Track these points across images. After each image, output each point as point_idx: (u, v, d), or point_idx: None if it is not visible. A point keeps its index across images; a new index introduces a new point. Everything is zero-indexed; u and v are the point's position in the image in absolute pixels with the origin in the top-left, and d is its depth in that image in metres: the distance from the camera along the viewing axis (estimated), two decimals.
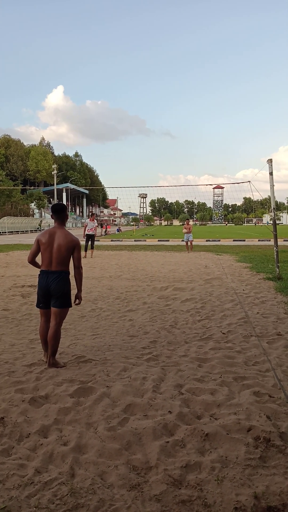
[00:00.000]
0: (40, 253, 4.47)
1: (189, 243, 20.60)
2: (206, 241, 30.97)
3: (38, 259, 4.56)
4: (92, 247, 17.62)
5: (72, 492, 2.37)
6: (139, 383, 3.89)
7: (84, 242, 16.82)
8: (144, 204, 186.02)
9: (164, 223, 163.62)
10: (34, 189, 79.63)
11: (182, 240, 22.16)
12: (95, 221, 18.26)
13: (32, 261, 4.62)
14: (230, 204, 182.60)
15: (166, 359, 4.69)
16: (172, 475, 2.55)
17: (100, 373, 4.17)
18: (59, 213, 4.51)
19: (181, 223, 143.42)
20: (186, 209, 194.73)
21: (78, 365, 4.45)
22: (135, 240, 32.96)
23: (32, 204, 77.30)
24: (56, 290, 4.32)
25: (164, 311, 7.26)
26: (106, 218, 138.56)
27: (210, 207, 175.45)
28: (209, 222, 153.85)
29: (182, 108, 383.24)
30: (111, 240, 33.21)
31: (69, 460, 2.67)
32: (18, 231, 51.83)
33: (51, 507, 2.25)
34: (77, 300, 4.56)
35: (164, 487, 2.45)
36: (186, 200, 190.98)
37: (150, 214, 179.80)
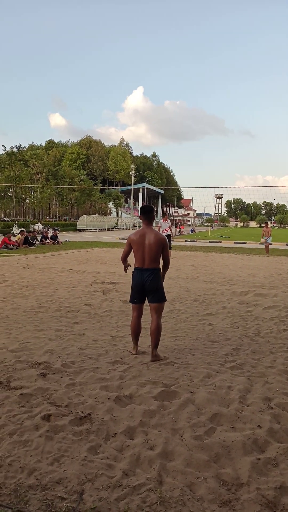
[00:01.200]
0: (132, 252, 4.78)
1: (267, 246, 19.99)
2: (286, 245, 29.54)
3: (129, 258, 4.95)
4: (169, 247, 17.62)
5: (161, 501, 2.31)
6: (225, 392, 3.74)
7: None
8: (220, 204, 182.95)
9: (240, 224, 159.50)
10: (112, 188, 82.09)
11: (260, 243, 21.56)
12: (169, 221, 18.21)
13: (125, 260, 5.01)
14: None
15: (251, 368, 4.47)
16: (266, 496, 2.38)
17: (183, 377, 4.09)
18: (148, 214, 4.79)
19: (258, 225, 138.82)
20: (264, 211, 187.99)
21: (160, 367, 4.41)
22: (210, 242, 32.47)
23: (110, 203, 79.69)
24: (151, 286, 4.64)
25: (245, 317, 6.99)
26: (180, 218, 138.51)
27: None
28: None
29: (263, 107, 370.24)
30: (185, 241, 33.05)
31: (156, 466, 2.62)
32: (96, 229, 53.74)
33: None
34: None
35: (258, 507, 2.29)
36: (265, 202, 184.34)
37: (226, 215, 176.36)
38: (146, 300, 4.83)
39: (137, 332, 4.89)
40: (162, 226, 17.73)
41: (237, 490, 2.46)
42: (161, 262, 4.83)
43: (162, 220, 18.21)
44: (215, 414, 3.31)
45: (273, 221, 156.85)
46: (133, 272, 4.78)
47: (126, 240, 4.93)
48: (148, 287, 4.64)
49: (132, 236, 4.73)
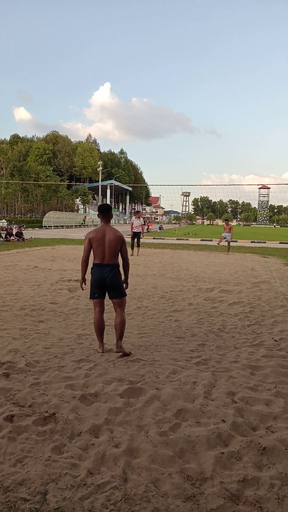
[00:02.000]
0: (92, 250, 4.78)
1: (224, 243, 20.32)
2: (251, 242, 30.24)
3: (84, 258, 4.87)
4: (138, 245, 17.60)
5: (126, 498, 2.30)
6: (190, 387, 3.77)
7: (130, 239, 16.84)
8: (187, 202, 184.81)
9: (206, 222, 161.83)
10: (79, 185, 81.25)
11: (217, 243, 21.88)
12: (141, 218, 18.23)
13: (87, 260, 4.86)
14: (276, 205, 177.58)
15: (216, 364, 4.54)
16: (229, 489, 2.42)
17: (149, 374, 4.10)
18: (106, 213, 4.89)
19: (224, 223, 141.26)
20: (229, 209, 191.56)
21: (126, 364, 4.40)
22: (177, 239, 32.75)
23: (77, 199, 78.81)
24: (111, 282, 4.71)
25: (211, 313, 7.09)
26: (148, 215, 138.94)
27: (255, 207, 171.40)
28: (253, 223, 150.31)
29: (229, 107, 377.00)
30: (154, 238, 33.18)
31: (121, 464, 2.61)
32: (63, 226, 53.01)
33: None
34: (124, 285, 4.95)
35: (221, 501, 2.33)
36: (230, 200, 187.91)
37: (193, 213, 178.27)
38: (107, 297, 4.85)
39: (101, 329, 4.87)
40: (134, 222, 17.69)
41: (201, 485, 2.49)
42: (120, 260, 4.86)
43: (135, 217, 18.18)
44: (180, 409, 3.34)
45: (238, 219, 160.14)
46: (92, 268, 4.80)
47: None
48: (108, 282, 4.70)
49: (92, 233, 4.76)
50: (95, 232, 4.78)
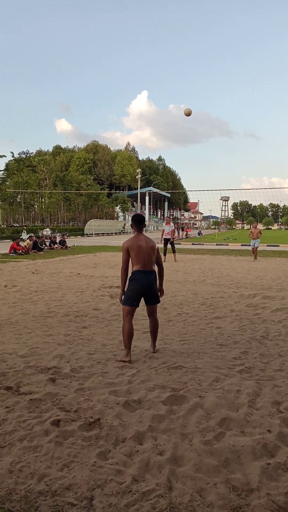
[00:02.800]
0: (130, 258, 4.88)
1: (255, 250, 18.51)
2: None
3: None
4: (174, 251, 17.66)
5: (171, 507, 2.30)
6: (233, 396, 3.72)
7: (163, 246, 16.95)
8: (226, 207, 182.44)
9: (246, 227, 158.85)
10: (119, 193, 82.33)
11: (249, 245, 19.81)
12: (172, 224, 18.28)
13: (127, 269, 4.92)
14: None
15: (260, 372, 4.45)
16: (276, 501, 2.37)
17: (192, 381, 4.08)
18: (141, 224, 5.03)
19: (265, 227, 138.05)
20: (270, 213, 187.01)
21: (168, 371, 4.40)
22: (217, 244, 32.39)
23: (117, 207, 79.88)
24: (154, 287, 4.91)
25: (253, 320, 6.96)
26: (186, 221, 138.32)
27: None
28: None
29: (267, 109, 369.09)
30: (192, 244, 33.00)
31: (165, 472, 2.61)
32: (103, 233, 53.90)
33: None
34: (160, 293, 5.15)
35: None
36: (271, 203, 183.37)
37: (232, 217, 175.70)
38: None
39: (132, 336, 4.87)
40: (165, 229, 17.76)
41: (247, 496, 2.44)
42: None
43: (165, 224, 18.24)
44: (224, 418, 3.30)
45: (280, 223, 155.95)
46: (134, 275, 4.81)
47: None
48: (152, 289, 4.86)
49: (129, 242, 4.84)
50: (132, 241, 4.86)
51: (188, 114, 12.67)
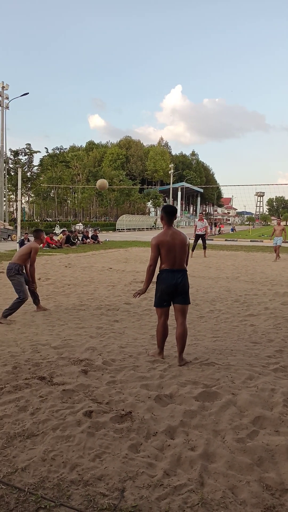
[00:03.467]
0: (161, 255, 4.52)
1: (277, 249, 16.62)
2: None
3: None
4: (204, 247, 17.55)
5: (203, 503, 2.27)
6: (268, 394, 3.63)
7: (193, 241, 16.83)
8: (261, 203, 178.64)
9: (282, 223, 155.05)
10: (151, 188, 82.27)
11: (277, 254, 16.49)
12: (205, 220, 18.11)
13: (155, 267, 4.59)
14: None
15: None
16: None
17: (224, 378, 4.02)
18: (172, 215, 4.66)
19: None
20: None
21: (200, 367, 4.36)
22: (251, 241, 31.80)
23: (149, 202, 79.93)
24: (183, 287, 4.50)
25: None
26: (219, 217, 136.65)
27: None
28: None
29: None
30: (225, 240, 32.56)
31: (197, 467, 2.59)
32: (135, 229, 54.08)
33: None
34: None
35: None
36: None
37: (267, 213, 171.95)
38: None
39: (166, 335, 4.69)
40: (198, 225, 17.63)
41: (281, 496, 2.38)
42: None
43: (198, 220, 18.10)
44: (257, 417, 3.23)
45: None
46: (161, 274, 4.54)
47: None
48: (180, 288, 4.46)
49: (159, 238, 4.50)
50: (163, 236, 4.52)
51: (101, 187, 10.72)
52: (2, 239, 26.88)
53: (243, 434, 2.99)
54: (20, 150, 50.92)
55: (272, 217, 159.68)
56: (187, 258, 4.66)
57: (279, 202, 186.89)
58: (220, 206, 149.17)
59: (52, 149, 59.72)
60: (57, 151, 60.43)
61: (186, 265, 4.65)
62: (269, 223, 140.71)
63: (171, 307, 4.65)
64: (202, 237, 17.41)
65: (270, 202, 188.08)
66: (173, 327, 5.14)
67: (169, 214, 4.62)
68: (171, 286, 4.46)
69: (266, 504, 2.30)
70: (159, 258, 4.54)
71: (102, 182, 11.08)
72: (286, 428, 3.09)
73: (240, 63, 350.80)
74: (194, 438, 2.93)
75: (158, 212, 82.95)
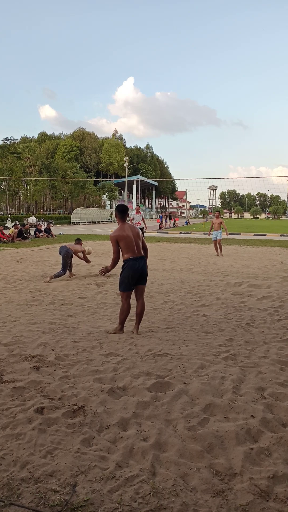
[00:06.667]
0: (121, 247, 5.25)
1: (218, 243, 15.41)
2: (281, 236, 29.63)
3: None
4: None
5: (155, 492, 2.30)
6: (218, 382, 3.74)
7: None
8: (214, 196, 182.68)
9: (234, 216, 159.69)
10: (106, 181, 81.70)
11: (218, 249, 15.25)
12: (142, 213, 18.24)
13: (118, 258, 5.31)
14: None
15: (244, 359, 4.48)
16: (259, 485, 2.39)
17: (177, 368, 4.08)
18: (125, 213, 5.44)
19: (252, 217, 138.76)
20: (258, 202, 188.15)
21: (154, 358, 4.40)
22: (204, 233, 32.47)
23: (104, 195, 79.35)
24: (146, 270, 5.35)
25: (239, 308, 7.00)
26: (174, 210, 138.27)
27: (284, 200, 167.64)
28: (282, 216, 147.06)
29: (255, 98, 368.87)
30: (180, 233, 33.03)
31: (149, 457, 2.62)
32: (90, 222, 53.54)
33: (133, 505, 2.21)
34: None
35: (251, 497, 2.29)
36: (259, 193, 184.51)
37: (220, 206, 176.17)
38: None
39: (128, 314, 5.45)
40: (135, 218, 17.66)
41: (230, 480, 2.46)
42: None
43: (134, 212, 18.16)
44: (208, 404, 3.31)
45: (267, 212, 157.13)
46: (127, 262, 5.21)
47: None
48: (144, 272, 5.30)
49: (117, 233, 5.21)
50: (120, 231, 5.23)
51: None
52: None
53: (194, 422, 3.06)
54: None
55: (225, 210, 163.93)
56: (145, 244, 5.46)
57: (231, 195, 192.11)
58: (174, 199, 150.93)
59: (2, 140, 57.66)
60: (8, 142, 58.38)
61: (146, 255, 5.42)
62: (222, 216, 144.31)
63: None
64: (141, 230, 17.34)
65: (222, 195, 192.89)
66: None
67: (121, 212, 5.38)
68: (138, 271, 5.22)
69: (215, 490, 2.36)
70: (120, 250, 5.25)
71: None
72: (235, 414, 3.19)
73: (191, 57, 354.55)
74: (147, 429, 2.96)
75: (114, 205, 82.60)
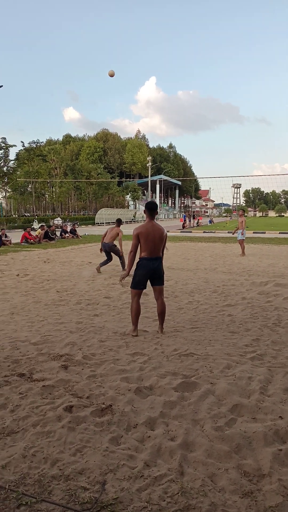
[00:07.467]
0: (139, 244, 5.25)
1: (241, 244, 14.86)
2: None
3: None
4: None
5: (183, 492, 2.32)
6: (245, 382, 3.72)
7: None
8: (238, 194, 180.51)
9: (258, 214, 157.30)
10: (129, 181, 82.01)
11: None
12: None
13: (135, 253, 5.30)
14: None
15: (271, 359, 4.43)
16: None
17: (203, 368, 4.08)
18: (153, 211, 5.36)
19: (277, 215, 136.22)
20: (283, 200, 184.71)
21: (180, 358, 4.41)
22: (228, 232, 32.14)
23: (127, 196, 79.70)
24: (160, 272, 5.34)
25: (265, 308, 6.91)
26: (197, 209, 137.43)
27: None
28: None
29: (278, 94, 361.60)
30: (204, 232, 32.82)
31: (177, 457, 2.63)
32: (114, 222, 53.83)
33: (162, 504, 2.23)
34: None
35: (280, 499, 2.28)
36: (284, 190, 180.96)
37: (244, 205, 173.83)
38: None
39: (139, 314, 5.41)
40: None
41: (259, 481, 2.45)
42: None
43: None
44: (235, 405, 3.30)
45: None
46: (140, 261, 5.28)
47: None
48: (158, 273, 5.29)
49: (140, 229, 5.23)
50: (143, 227, 5.24)
51: (111, 75, 14.45)
52: None
53: (221, 422, 3.06)
54: None
55: (249, 208, 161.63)
56: (163, 247, 5.38)
57: (255, 193, 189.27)
58: (198, 198, 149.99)
59: (29, 143, 58.62)
60: (34, 145, 59.40)
61: (162, 254, 5.42)
62: (246, 214, 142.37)
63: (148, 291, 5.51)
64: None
65: (246, 193, 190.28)
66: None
67: (149, 209, 5.32)
68: (150, 272, 5.25)
69: (244, 490, 2.36)
70: (139, 246, 5.25)
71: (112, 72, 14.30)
72: (262, 415, 3.17)
73: (213, 55, 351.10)
74: (174, 429, 2.98)
75: (138, 206, 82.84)
